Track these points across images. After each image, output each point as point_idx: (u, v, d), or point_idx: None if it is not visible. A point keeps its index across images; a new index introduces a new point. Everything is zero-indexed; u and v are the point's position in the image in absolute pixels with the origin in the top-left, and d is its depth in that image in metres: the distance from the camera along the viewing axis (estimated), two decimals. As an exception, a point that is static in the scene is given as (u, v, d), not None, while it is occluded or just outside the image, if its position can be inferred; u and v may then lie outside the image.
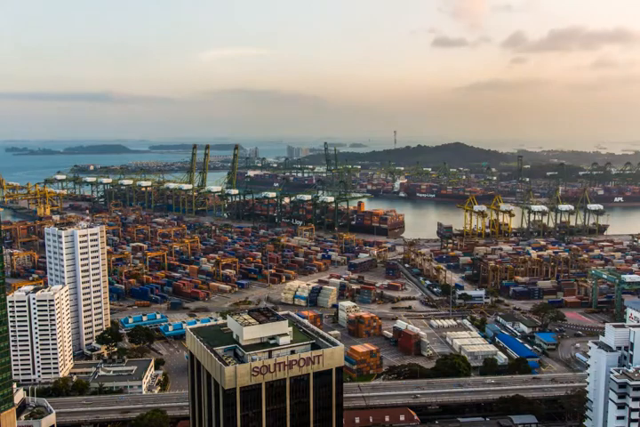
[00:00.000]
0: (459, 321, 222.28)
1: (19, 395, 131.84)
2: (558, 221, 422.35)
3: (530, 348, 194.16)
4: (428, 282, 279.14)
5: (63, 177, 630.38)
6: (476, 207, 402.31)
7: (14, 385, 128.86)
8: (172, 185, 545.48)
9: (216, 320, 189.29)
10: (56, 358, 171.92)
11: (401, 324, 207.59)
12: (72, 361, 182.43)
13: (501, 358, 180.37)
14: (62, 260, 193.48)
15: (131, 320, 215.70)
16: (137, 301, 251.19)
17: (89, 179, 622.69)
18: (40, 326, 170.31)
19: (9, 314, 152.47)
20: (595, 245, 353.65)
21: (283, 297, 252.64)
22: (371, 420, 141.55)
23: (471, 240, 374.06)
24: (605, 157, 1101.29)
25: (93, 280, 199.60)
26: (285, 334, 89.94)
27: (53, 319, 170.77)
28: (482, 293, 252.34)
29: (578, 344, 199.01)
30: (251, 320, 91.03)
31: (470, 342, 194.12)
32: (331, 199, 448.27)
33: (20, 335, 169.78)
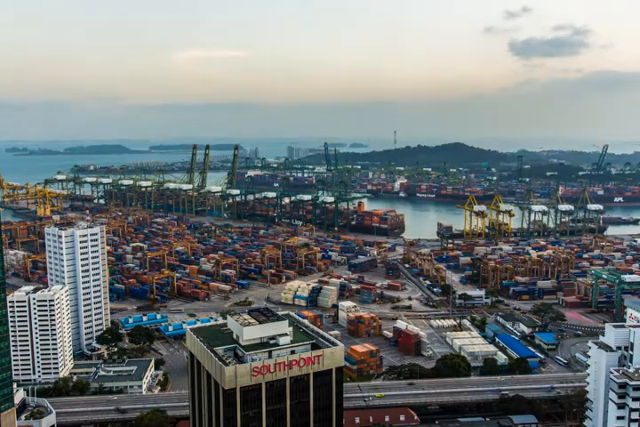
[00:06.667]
0: (458, 321, 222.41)
1: (19, 395, 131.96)
2: (558, 221, 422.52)
3: (532, 349, 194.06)
4: (428, 282, 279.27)
5: (63, 177, 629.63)
6: (476, 207, 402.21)
7: (14, 385, 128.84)
8: (172, 185, 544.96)
9: (216, 320, 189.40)
10: (56, 358, 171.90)
11: (401, 324, 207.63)
12: (72, 361, 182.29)
13: (501, 358, 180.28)
14: (62, 260, 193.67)
15: (131, 320, 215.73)
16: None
17: (89, 179, 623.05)
18: (40, 326, 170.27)
19: (9, 314, 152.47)
20: (595, 245, 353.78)
21: (283, 297, 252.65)
22: (371, 420, 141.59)
23: (471, 240, 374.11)
24: (605, 157, 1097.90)
25: (93, 280, 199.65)
26: (285, 334, 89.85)
27: (53, 319, 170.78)
28: (482, 293, 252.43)
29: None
30: (251, 320, 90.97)
31: (470, 342, 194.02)
32: (331, 199, 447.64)
33: (20, 335, 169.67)
